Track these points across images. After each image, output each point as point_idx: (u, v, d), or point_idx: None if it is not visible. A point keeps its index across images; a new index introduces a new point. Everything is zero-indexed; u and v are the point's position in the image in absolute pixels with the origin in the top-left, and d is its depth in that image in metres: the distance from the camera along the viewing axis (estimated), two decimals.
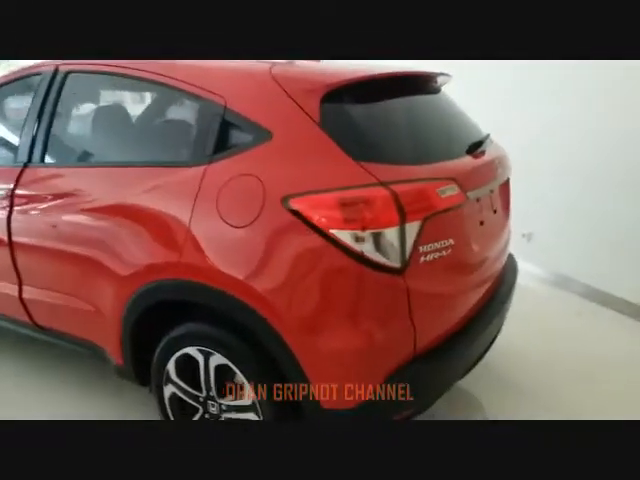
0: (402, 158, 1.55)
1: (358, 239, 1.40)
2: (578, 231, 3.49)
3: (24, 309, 2.22)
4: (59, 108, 2.04)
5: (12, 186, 2.08)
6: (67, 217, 1.93)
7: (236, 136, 1.62)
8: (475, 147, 1.85)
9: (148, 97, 2.03)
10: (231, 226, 1.53)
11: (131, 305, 1.78)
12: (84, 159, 2.03)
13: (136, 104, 2.08)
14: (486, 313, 1.84)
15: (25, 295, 2.18)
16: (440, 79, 1.99)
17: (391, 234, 1.41)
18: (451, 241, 1.59)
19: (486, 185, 1.81)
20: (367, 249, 1.41)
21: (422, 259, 1.50)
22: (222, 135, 1.63)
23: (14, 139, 2.19)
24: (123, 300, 1.79)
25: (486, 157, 1.85)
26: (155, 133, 1.94)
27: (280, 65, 1.68)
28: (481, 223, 1.81)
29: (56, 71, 2.06)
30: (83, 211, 1.88)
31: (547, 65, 3.11)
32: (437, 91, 2.01)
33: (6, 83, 2.28)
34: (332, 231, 1.41)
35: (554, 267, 3.70)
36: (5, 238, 2.11)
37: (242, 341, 1.61)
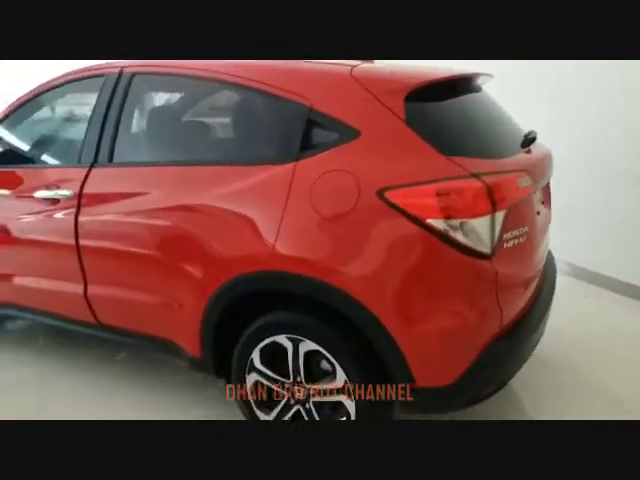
0: (481, 152, 1.68)
1: (453, 227, 1.52)
2: (581, 222, 3.72)
3: (88, 308, 2.25)
4: (126, 109, 2.10)
5: (79, 186, 2.12)
6: (145, 216, 1.99)
7: (322, 134, 1.72)
8: (528, 143, 2.00)
9: (222, 98, 2.09)
10: (326, 218, 1.63)
11: (217, 298, 1.85)
12: (159, 158, 2.08)
13: (207, 105, 2.15)
14: (543, 297, 2.00)
15: (90, 293, 2.22)
16: (481, 78, 2.12)
17: (483, 222, 1.54)
18: (526, 228, 1.74)
19: (543, 179, 1.96)
20: (461, 236, 1.53)
21: (505, 245, 1.63)
22: (308, 134, 1.73)
23: (76, 140, 2.23)
24: (208, 293, 1.86)
25: (538, 153, 2.00)
26: (235, 133, 2.01)
27: (358, 67, 1.78)
28: (538, 213, 1.96)
29: (121, 73, 2.12)
30: (163, 210, 1.93)
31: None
32: (481, 89, 2.15)
33: (63, 84, 2.31)
34: (429, 220, 1.52)
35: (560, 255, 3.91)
36: (72, 237, 2.15)
37: (335, 327, 1.71)
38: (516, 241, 1.69)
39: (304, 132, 1.73)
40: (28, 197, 2.30)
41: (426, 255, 1.56)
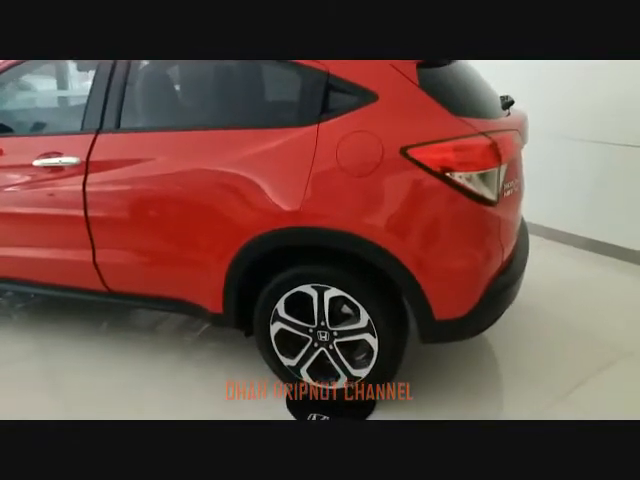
0: (481, 113, 1.91)
1: (468, 179, 1.75)
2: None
3: (98, 275, 2.28)
4: (132, 72, 2.11)
5: (86, 153, 2.12)
6: (160, 180, 2.04)
7: (342, 98, 1.86)
8: (507, 106, 2.27)
9: (240, 63, 2.12)
10: (352, 175, 1.79)
11: (241, 256, 1.97)
12: (173, 123, 2.12)
13: (224, 69, 2.17)
14: (523, 242, 2.31)
15: (100, 260, 2.24)
16: None
17: (492, 174, 1.79)
18: (517, 181, 2.01)
19: (525, 137, 2.24)
20: (473, 186, 1.76)
21: (504, 194, 1.89)
22: (328, 97, 1.87)
23: (75, 106, 2.20)
24: (232, 253, 1.98)
25: (519, 115, 2.27)
26: (254, 98, 2.09)
27: None
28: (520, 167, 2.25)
29: None
30: (182, 174, 2.00)
31: None
32: None
33: None
34: (448, 174, 1.74)
35: None
36: (79, 204, 2.15)
37: (358, 274, 1.90)
38: (511, 191, 1.96)
39: (324, 96, 1.87)
40: (23, 166, 2.25)
41: (444, 204, 1.78)
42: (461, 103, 1.88)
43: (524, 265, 2.18)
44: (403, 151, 1.76)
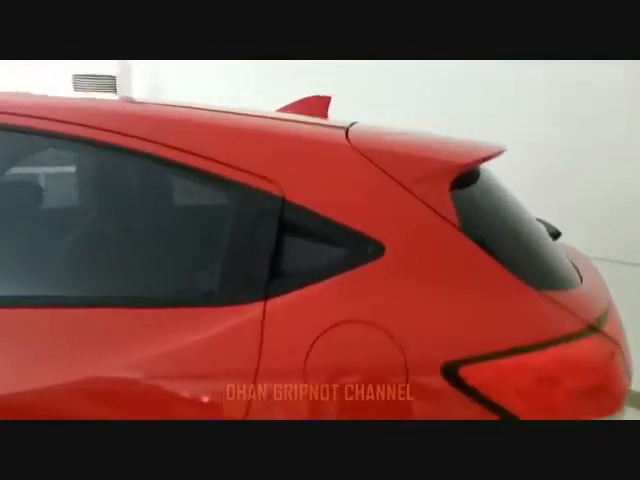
0: (564, 277, 1.04)
1: None
2: None
3: None
4: None
5: None
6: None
7: (312, 250, 0.93)
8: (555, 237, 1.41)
9: (126, 177, 1.12)
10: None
11: None
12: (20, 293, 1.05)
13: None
14: None
15: None
16: None
17: (624, 408, 0.88)
18: None
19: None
20: None
21: None
22: (283, 248, 0.93)
23: None
24: None
25: (585, 258, 1.40)
26: (139, 244, 1.08)
27: (355, 132, 1.05)
28: None
29: None
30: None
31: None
32: None
33: None
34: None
35: None
36: None
37: None
38: None
39: (275, 245, 0.93)
40: None
41: None
42: (532, 261, 1.00)
43: None
44: (449, 371, 0.83)
